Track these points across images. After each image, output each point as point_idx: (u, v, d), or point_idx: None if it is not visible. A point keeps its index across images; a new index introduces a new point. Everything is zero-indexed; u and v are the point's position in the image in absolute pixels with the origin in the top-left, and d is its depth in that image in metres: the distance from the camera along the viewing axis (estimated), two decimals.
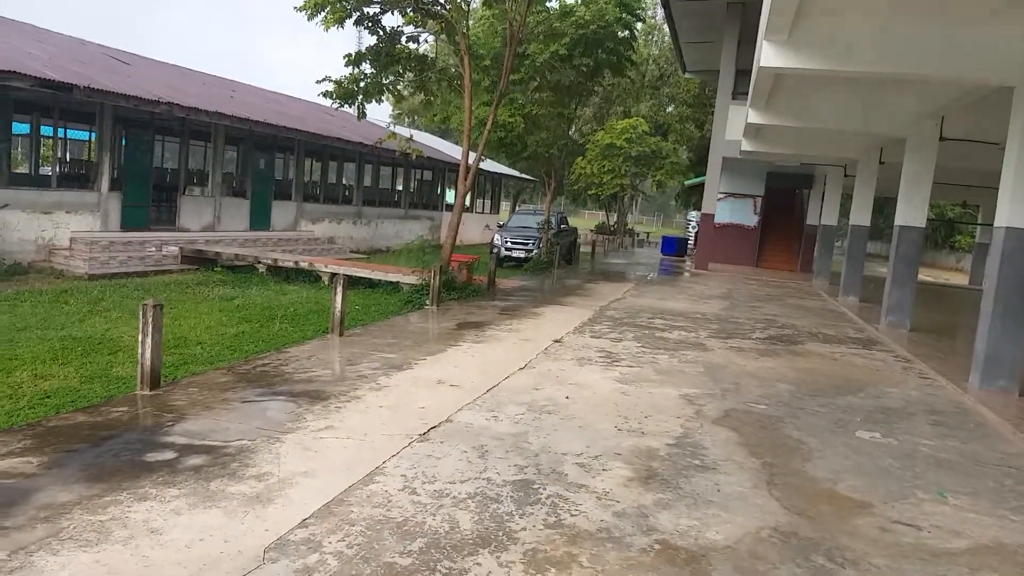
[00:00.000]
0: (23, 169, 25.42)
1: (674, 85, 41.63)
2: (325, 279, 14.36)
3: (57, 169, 18.62)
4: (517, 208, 41.28)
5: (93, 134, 20.55)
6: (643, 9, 23.56)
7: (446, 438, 5.53)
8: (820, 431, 6.67)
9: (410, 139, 15.66)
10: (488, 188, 36.29)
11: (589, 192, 35.07)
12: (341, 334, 9.28)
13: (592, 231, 39.87)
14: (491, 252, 21.55)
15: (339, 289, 9.16)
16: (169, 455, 4.73)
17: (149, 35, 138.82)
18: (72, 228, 14.71)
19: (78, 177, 20.64)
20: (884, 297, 14.38)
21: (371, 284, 14.41)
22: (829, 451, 6.08)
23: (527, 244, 22.11)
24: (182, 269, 15.61)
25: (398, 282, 14.01)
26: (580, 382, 7.72)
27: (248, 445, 5.00)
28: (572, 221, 32.54)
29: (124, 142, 17.65)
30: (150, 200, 17.07)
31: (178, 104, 15.86)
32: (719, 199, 26.66)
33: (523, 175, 35.57)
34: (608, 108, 35.63)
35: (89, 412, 5.62)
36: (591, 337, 10.58)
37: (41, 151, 25.33)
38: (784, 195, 30.05)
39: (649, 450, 5.67)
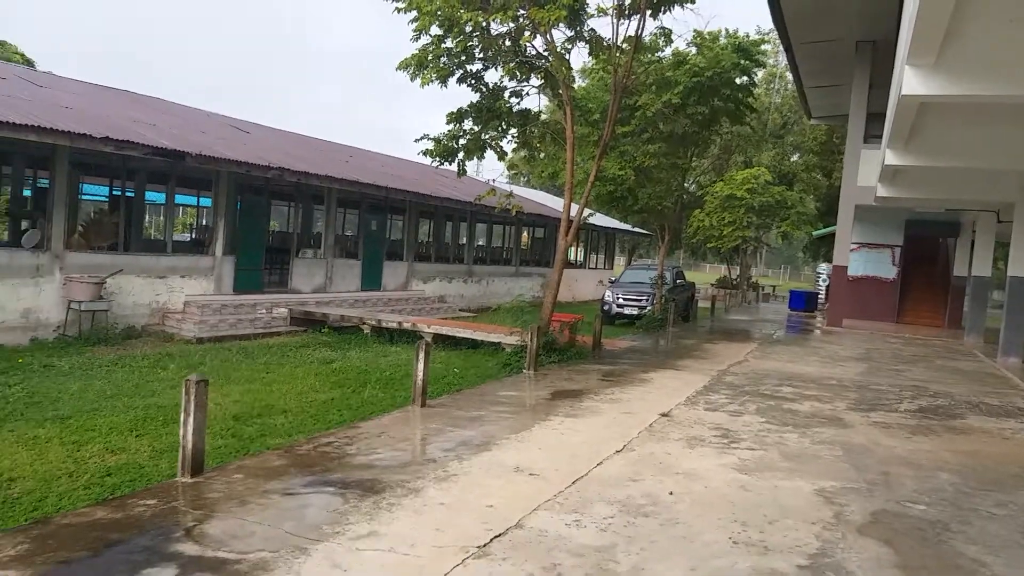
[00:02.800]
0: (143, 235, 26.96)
1: (799, 133, 39.68)
2: (429, 339, 13.80)
3: (173, 234, 19.35)
4: (631, 263, 40.09)
5: (208, 200, 21.42)
6: (763, 55, 22.35)
7: (510, 553, 4.52)
8: (1004, 545, 5.16)
9: (510, 195, 15.06)
10: (601, 243, 35.40)
11: (708, 245, 33.45)
12: (423, 404, 8.51)
13: (713, 285, 37.93)
14: (601, 309, 20.56)
15: (421, 355, 8.42)
16: (169, 573, 3.99)
17: (301, 110, 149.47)
18: (187, 292, 14.98)
19: (195, 242, 21.44)
20: None
21: (475, 344, 13.73)
22: None
23: (639, 300, 20.93)
24: (291, 331, 15.53)
25: (500, 343, 13.25)
26: (689, 471, 6.52)
27: (266, 559, 4.20)
28: (692, 276, 31.00)
29: (239, 207, 18.10)
30: (263, 263, 17.31)
31: (289, 169, 16.08)
32: (852, 250, 24.54)
33: (636, 229, 34.48)
34: (727, 158, 34.16)
35: (114, 506, 5.04)
36: (705, 410, 9.30)
37: (160, 218, 26.82)
38: (926, 244, 27.33)
39: None
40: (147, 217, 27.98)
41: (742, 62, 17.97)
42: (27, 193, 18.89)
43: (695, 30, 18.00)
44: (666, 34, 15.30)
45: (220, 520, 4.81)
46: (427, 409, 8.48)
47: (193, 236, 24.82)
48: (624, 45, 13.94)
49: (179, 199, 25.55)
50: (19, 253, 12.34)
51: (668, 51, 17.77)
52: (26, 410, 7.66)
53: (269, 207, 21.17)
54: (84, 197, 22.07)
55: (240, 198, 18.40)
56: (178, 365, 10.83)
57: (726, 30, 18.80)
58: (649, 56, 17.36)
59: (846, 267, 23.40)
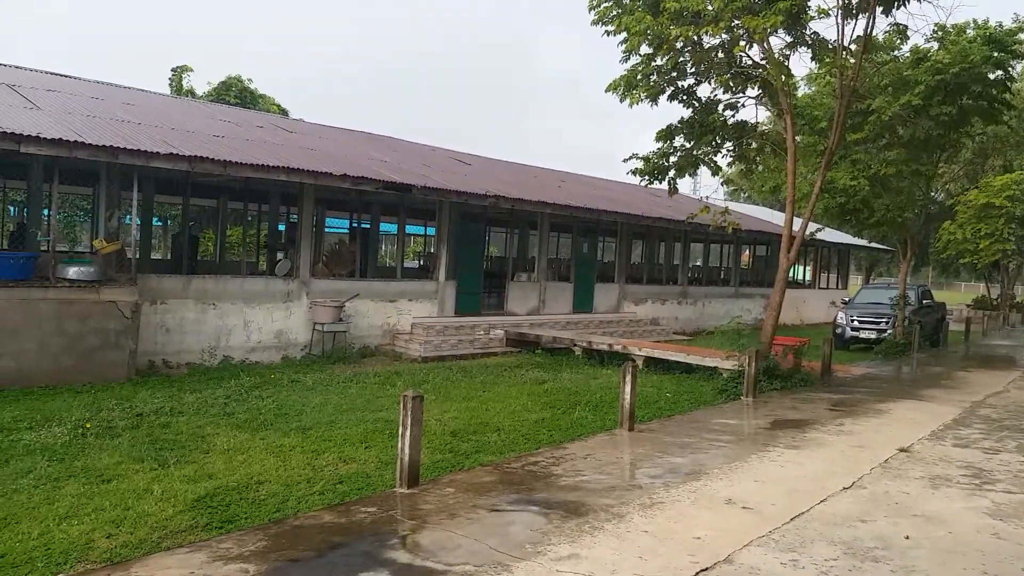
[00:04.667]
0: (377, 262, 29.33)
1: None
2: (640, 362, 13.59)
3: (403, 262, 20.88)
4: (869, 282, 36.74)
5: (431, 229, 22.83)
6: (1021, 44, 19.59)
7: None
8: None
9: (726, 212, 14.43)
10: (833, 261, 32.81)
11: (962, 261, 29.67)
12: (631, 428, 8.33)
13: (969, 306, 33.65)
14: (833, 333, 19.03)
15: (628, 377, 8.27)
16: None
17: (518, 139, 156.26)
18: (413, 314, 16.04)
19: (421, 268, 22.94)
20: None
21: (689, 369, 13.28)
22: None
23: (878, 323, 19.09)
24: (506, 351, 16.05)
25: (716, 367, 12.68)
26: (930, 513, 5.74)
27: (470, 573, 4.28)
28: (942, 295, 27.81)
29: (459, 234, 19.14)
30: (481, 287, 18.12)
31: (504, 196, 16.74)
32: None
33: (874, 244, 31.51)
34: (983, 163, 30.21)
35: (340, 511, 5.44)
36: (954, 445, 8.18)
37: (391, 247, 28.96)
38: None
39: None
40: (381, 246, 30.55)
41: (995, 55, 15.86)
42: (280, 227, 21.40)
43: (936, 24, 16.22)
44: (901, 31, 13.94)
45: (431, 531, 5.01)
46: (635, 433, 8.28)
47: (420, 263, 26.64)
48: (852, 46, 12.90)
49: (409, 229, 27.59)
50: (273, 280, 13.97)
51: (905, 49, 16.18)
52: (275, 421, 8.55)
53: (487, 233, 22.14)
54: (327, 229, 24.55)
55: (461, 226, 19.47)
56: (404, 382, 11.56)
57: (974, 21, 16.73)
58: (882, 56, 15.91)
59: None
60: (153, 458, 6.65)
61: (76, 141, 10.34)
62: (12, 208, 23.83)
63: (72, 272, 10.51)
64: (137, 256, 12.69)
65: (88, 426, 7.66)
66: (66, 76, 17.93)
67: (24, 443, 6.95)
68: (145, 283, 11.74)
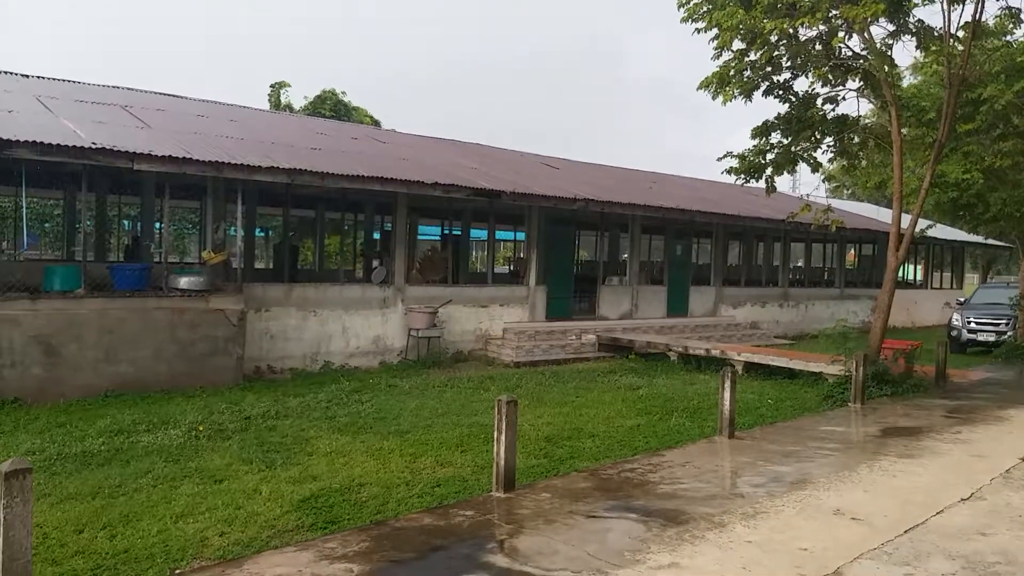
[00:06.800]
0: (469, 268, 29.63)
1: None
2: (739, 367, 13.20)
3: (494, 267, 21.03)
4: (986, 281, 34.52)
5: (521, 235, 22.89)
6: None
7: None
8: None
9: (828, 210, 13.86)
10: (947, 259, 30.98)
11: None
12: (731, 436, 8.10)
13: None
14: (948, 335, 17.98)
15: (727, 383, 8.04)
16: None
17: (606, 142, 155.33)
18: (505, 320, 16.14)
19: (511, 273, 23.04)
20: None
21: (791, 374, 12.81)
22: None
23: (997, 325, 17.93)
24: (599, 356, 15.93)
25: (821, 373, 12.18)
26: None
27: None
28: None
29: (548, 239, 19.13)
30: (572, 291, 18.06)
31: (594, 199, 16.64)
32: None
33: (991, 241, 29.56)
34: None
35: (438, 514, 5.51)
36: None
37: (483, 252, 29.17)
38: None
39: None
40: (472, 252, 30.92)
41: None
42: (375, 236, 21.98)
43: None
44: (1013, 14, 13.04)
45: (528, 536, 5.01)
46: (736, 441, 8.05)
47: (511, 268, 26.81)
48: (960, 32, 12.18)
49: (499, 235, 27.81)
50: (370, 288, 14.35)
51: (1019, 33, 15.13)
52: (374, 424, 8.76)
53: (577, 237, 22.05)
54: (420, 237, 25.05)
55: (550, 230, 19.46)
56: (498, 387, 11.63)
57: None
58: (993, 41, 14.93)
59: None
60: (261, 460, 6.93)
61: (185, 157, 10.94)
62: (127, 223, 25.41)
63: (183, 282, 11.12)
64: (242, 266, 13.29)
65: (200, 429, 8.06)
66: (174, 96, 19.02)
67: (143, 445, 7.39)
68: (250, 292, 12.29)
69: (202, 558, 4.74)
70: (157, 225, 17.18)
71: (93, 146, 10.12)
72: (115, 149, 10.26)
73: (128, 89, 18.37)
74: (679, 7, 12.63)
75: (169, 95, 18.95)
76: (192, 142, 12.65)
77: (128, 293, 10.59)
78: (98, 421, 8.30)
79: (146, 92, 18.53)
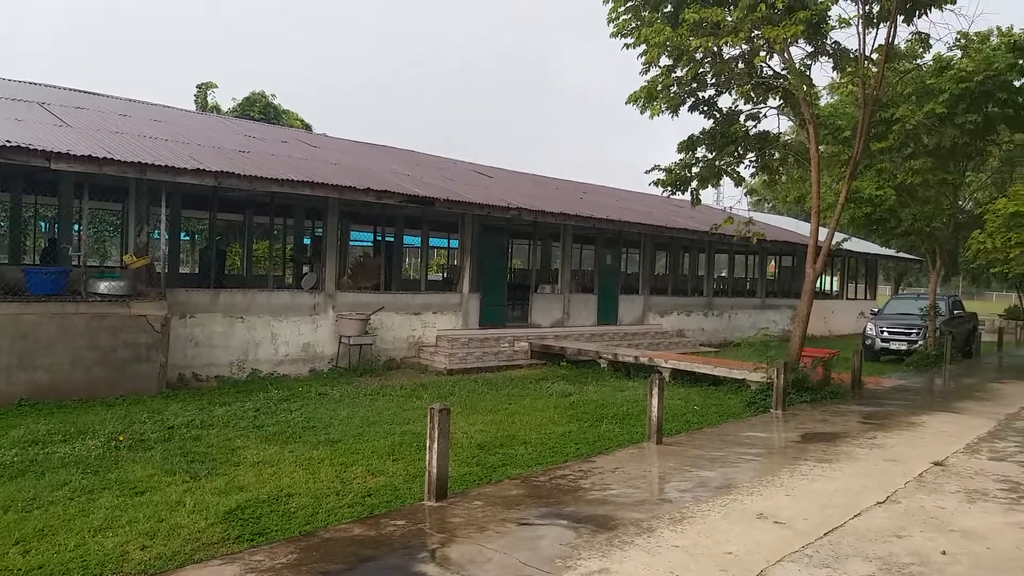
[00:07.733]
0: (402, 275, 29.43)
1: None
2: (666, 375, 13.50)
3: (428, 274, 20.94)
4: (898, 293, 36.25)
5: (454, 242, 22.87)
6: None
7: None
8: None
9: (749, 222, 14.35)
10: (861, 271, 32.44)
11: (992, 271, 29.19)
12: (659, 442, 8.28)
13: (1001, 316, 33.07)
14: (863, 344, 18.80)
15: (655, 390, 8.23)
16: None
17: (540, 153, 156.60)
18: (438, 327, 16.07)
19: (445, 281, 23.01)
20: None
21: (716, 381, 13.17)
22: None
23: (908, 334, 18.84)
24: (531, 364, 16.02)
25: (744, 380, 12.57)
26: (967, 529, 5.63)
27: None
28: (974, 305, 27.41)
29: (482, 247, 19.17)
30: (505, 299, 18.12)
31: (526, 208, 16.76)
32: None
33: (902, 254, 31.10)
34: (1011, 171, 29.73)
35: (369, 524, 5.45)
36: (990, 459, 8.04)
37: (416, 259, 29.04)
38: None
39: None
40: (405, 259, 30.70)
41: (1020, 62, 15.65)
42: (306, 241, 21.59)
43: (958, 32, 16.05)
44: (923, 39, 13.81)
45: (460, 545, 5.00)
46: (663, 447, 8.23)
47: (444, 276, 26.73)
48: (874, 55, 12.82)
49: (432, 242, 27.71)
50: (300, 294, 14.09)
51: (928, 57, 16.03)
52: (304, 433, 8.60)
53: (510, 245, 22.15)
54: (352, 243, 24.73)
55: (484, 238, 19.51)
56: (431, 395, 11.58)
57: (998, 28, 16.53)
58: (905, 64, 15.77)
59: None
60: (185, 470, 6.72)
61: (105, 158, 10.53)
62: (43, 224, 24.28)
63: (103, 287, 10.69)
64: (166, 270, 12.87)
65: (121, 439, 7.76)
66: (94, 94, 18.29)
67: (59, 455, 7.06)
68: (174, 297, 11.90)
69: (122, 573, 4.56)
70: (76, 227, 16.44)
71: (8, 144, 9.64)
72: (31, 148, 9.80)
73: (46, 86, 17.57)
74: (609, 22, 12.90)
75: (89, 93, 18.22)
76: (113, 142, 12.19)
77: (45, 297, 10.11)
78: (11, 431, 7.89)
79: (65, 89, 17.77)
